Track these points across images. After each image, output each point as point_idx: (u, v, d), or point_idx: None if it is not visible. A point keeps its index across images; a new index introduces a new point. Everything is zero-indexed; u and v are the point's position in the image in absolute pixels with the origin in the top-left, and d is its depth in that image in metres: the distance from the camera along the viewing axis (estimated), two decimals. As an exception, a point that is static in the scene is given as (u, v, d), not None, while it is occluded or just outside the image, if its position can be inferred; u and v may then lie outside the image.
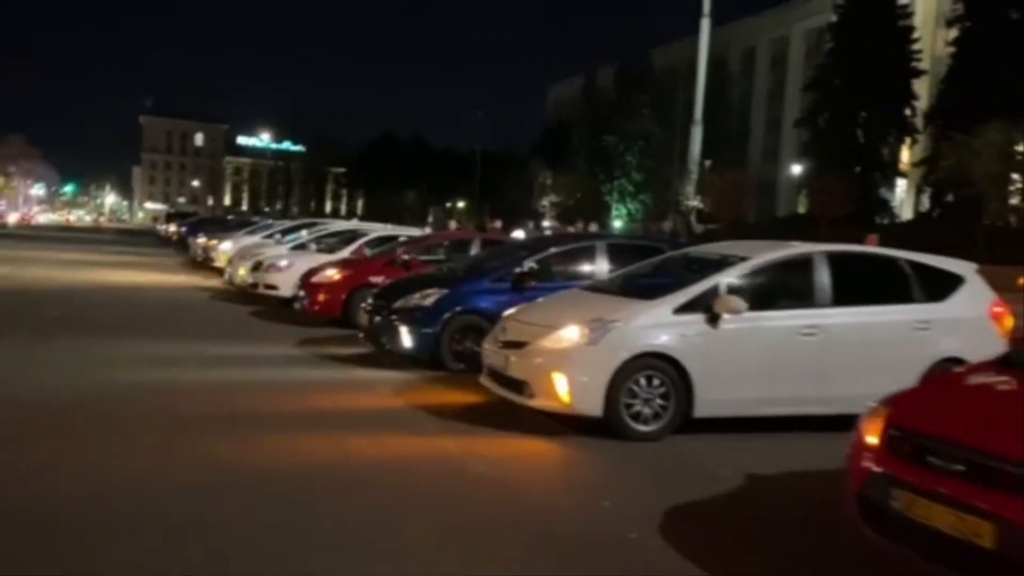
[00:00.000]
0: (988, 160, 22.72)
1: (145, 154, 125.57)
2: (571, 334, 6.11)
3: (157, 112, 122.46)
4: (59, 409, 6.18)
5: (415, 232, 16.80)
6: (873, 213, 38.07)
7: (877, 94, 37.17)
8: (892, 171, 40.77)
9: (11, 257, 22.50)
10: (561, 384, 5.96)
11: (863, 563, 3.91)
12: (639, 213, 52.66)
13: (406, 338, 8.50)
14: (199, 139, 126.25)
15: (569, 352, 6.04)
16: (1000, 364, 4.18)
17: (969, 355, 6.51)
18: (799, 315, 6.41)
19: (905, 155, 41.24)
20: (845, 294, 6.53)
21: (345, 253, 13.99)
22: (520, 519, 4.38)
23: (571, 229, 19.18)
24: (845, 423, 6.35)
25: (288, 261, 13.86)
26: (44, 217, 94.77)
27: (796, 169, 47.00)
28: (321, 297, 11.43)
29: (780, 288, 6.70)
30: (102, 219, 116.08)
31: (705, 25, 39.87)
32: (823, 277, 6.53)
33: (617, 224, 50.36)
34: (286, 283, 13.27)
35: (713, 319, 6.10)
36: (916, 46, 39.11)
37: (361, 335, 9.60)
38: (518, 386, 6.23)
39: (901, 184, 42.86)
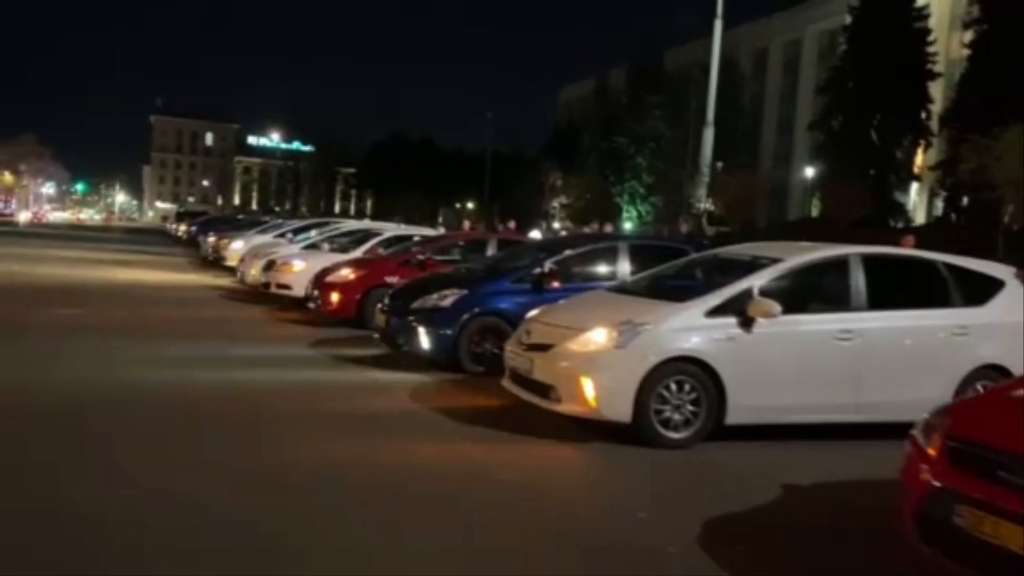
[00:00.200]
0: (1009, 163, 22.36)
1: (155, 153, 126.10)
2: (599, 337, 5.91)
3: (167, 112, 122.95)
4: (75, 412, 6.02)
5: (429, 232, 16.63)
6: (888, 217, 37.76)
7: (892, 97, 36.85)
8: (907, 174, 40.40)
9: (23, 255, 22.45)
10: (588, 389, 5.76)
11: (918, 582, 3.70)
12: (649, 215, 52.42)
13: (424, 339, 8.31)
14: (209, 139, 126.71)
15: (597, 355, 5.83)
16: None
17: (1009, 362, 6.31)
18: (834, 319, 6.19)
19: (919, 158, 40.87)
20: (881, 297, 6.31)
21: (358, 253, 13.82)
22: (555, 531, 4.18)
23: (587, 230, 18.96)
24: (875, 431, 6.22)
25: (301, 260, 13.70)
26: (56, 216, 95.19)
27: (809, 172, 46.65)
28: (335, 297, 11.25)
29: (814, 291, 6.49)
30: (112, 218, 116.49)
31: (718, 26, 39.55)
32: (858, 280, 6.31)
33: (627, 226, 50.10)
34: (299, 283, 13.11)
35: (746, 323, 5.88)
36: (931, 48, 38.77)
37: (376, 336, 9.42)
38: (543, 390, 6.03)
39: (914, 188, 42.49)
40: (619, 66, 56.10)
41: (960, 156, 26.64)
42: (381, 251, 13.58)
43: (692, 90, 47.67)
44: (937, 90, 39.31)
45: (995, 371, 6.34)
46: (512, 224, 20.01)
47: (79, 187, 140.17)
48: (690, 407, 5.82)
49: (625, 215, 52.33)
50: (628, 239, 10.24)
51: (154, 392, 6.81)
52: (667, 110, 51.80)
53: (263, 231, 21.90)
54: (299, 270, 13.33)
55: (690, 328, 5.89)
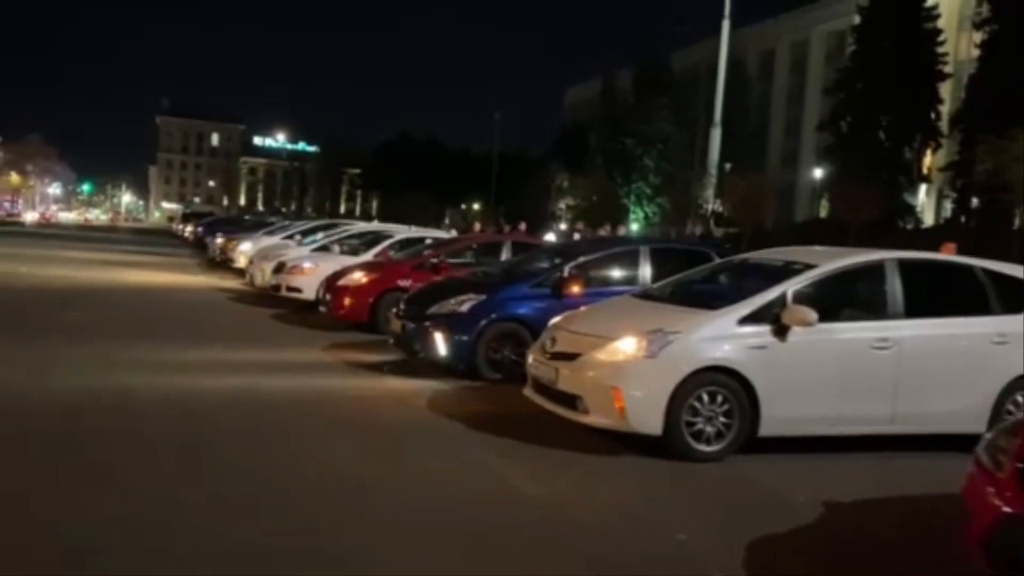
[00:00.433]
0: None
1: (161, 154, 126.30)
2: (628, 346, 5.70)
3: (173, 112, 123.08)
4: (77, 418, 5.84)
5: (441, 234, 16.42)
6: (897, 218, 37.49)
7: (901, 97, 36.61)
8: (916, 175, 40.12)
9: (30, 256, 22.31)
10: (618, 400, 5.54)
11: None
12: (656, 216, 52.20)
13: (441, 345, 8.11)
14: (215, 139, 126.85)
15: (626, 365, 5.63)
16: None
17: (1052, 372, 6.09)
18: (870, 327, 5.98)
19: (928, 159, 40.59)
20: (918, 305, 6.09)
21: (369, 256, 13.64)
22: (589, 553, 3.98)
23: (601, 232, 18.75)
24: (906, 442, 6.01)
25: (312, 263, 13.52)
26: (63, 216, 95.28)
27: (816, 173, 46.37)
28: (348, 301, 11.06)
29: (850, 298, 6.28)
30: (118, 218, 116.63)
31: (725, 27, 39.40)
32: (895, 286, 6.10)
33: (634, 227, 49.90)
34: (310, 286, 12.94)
35: (781, 331, 5.67)
36: (941, 49, 38.49)
37: (391, 341, 9.23)
38: (570, 401, 5.82)
39: (922, 189, 42.20)
40: (625, 67, 55.95)
41: (976, 157, 26.37)
42: (392, 254, 13.39)
43: (699, 91, 47.51)
44: (945, 91, 39.04)
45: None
46: (523, 226, 19.80)
47: (85, 187, 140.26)
48: (722, 419, 5.61)
49: (632, 216, 52.12)
50: (648, 242, 9.99)
51: (162, 399, 6.60)
52: (674, 111, 51.65)
53: (271, 232, 21.73)
54: (310, 273, 13.16)
55: (722, 337, 5.68)
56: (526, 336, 7.94)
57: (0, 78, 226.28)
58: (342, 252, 14.38)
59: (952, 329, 6.16)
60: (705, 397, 5.58)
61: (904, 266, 6.21)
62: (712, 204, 39.64)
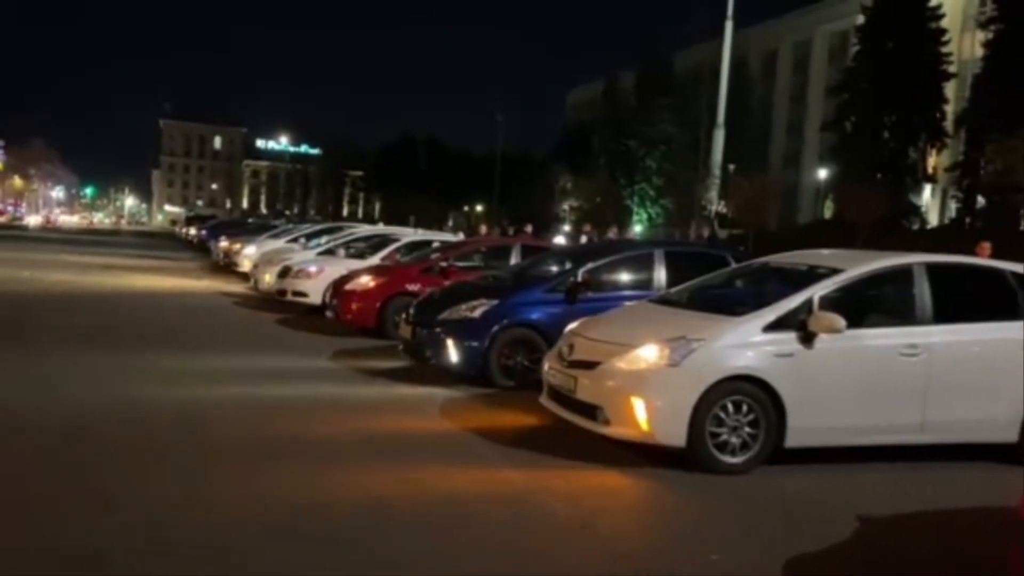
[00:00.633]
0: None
1: (164, 157, 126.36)
2: (650, 354, 5.52)
3: (176, 116, 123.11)
4: (82, 430, 5.67)
5: (448, 237, 16.24)
6: (902, 219, 37.26)
7: (906, 98, 36.39)
8: (921, 176, 39.89)
9: (33, 261, 22.15)
10: (640, 410, 5.36)
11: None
12: (660, 217, 52.01)
13: (453, 352, 7.94)
14: (217, 142, 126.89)
15: (648, 374, 5.45)
16: None
17: (1085, 379, 5.90)
18: (899, 333, 5.80)
19: (932, 160, 40.36)
20: (948, 310, 5.91)
21: (375, 259, 13.47)
22: (616, 574, 3.80)
23: (610, 234, 18.54)
24: (930, 453, 5.83)
25: (318, 267, 13.35)
26: (66, 219, 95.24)
27: (820, 174, 46.15)
28: (355, 306, 10.89)
29: (877, 303, 6.10)
30: (121, 221, 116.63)
31: (728, 28, 39.16)
32: (924, 291, 5.92)
33: (638, 228, 49.71)
34: (316, 290, 12.78)
35: (807, 338, 5.49)
36: (945, 49, 38.27)
37: (400, 347, 9.05)
38: (590, 411, 5.64)
39: (927, 189, 41.96)
40: (628, 68, 55.78)
41: (985, 157, 26.18)
42: (399, 257, 13.22)
43: (701, 92, 47.30)
44: (950, 91, 38.82)
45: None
46: (529, 228, 19.60)
47: (88, 191, 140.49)
48: (747, 429, 5.43)
49: (636, 218, 51.95)
50: (663, 245, 9.81)
51: (167, 410, 6.43)
52: (676, 112, 51.46)
53: (275, 236, 21.57)
54: (316, 277, 12.99)
55: (747, 344, 5.50)
56: (539, 342, 7.78)
57: (2, 82, 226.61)
58: (348, 256, 14.21)
59: (982, 335, 5.98)
60: (730, 407, 5.40)
61: (932, 270, 6.03)
62: (716, 205, 39.40)
